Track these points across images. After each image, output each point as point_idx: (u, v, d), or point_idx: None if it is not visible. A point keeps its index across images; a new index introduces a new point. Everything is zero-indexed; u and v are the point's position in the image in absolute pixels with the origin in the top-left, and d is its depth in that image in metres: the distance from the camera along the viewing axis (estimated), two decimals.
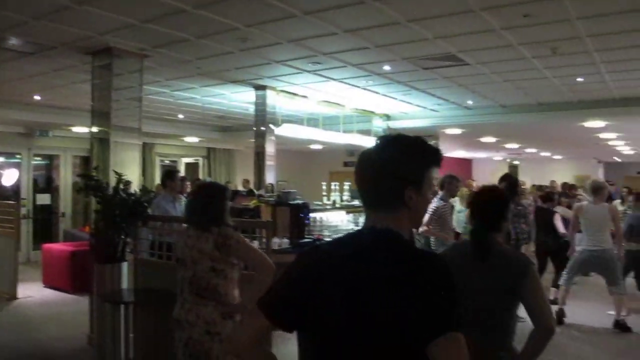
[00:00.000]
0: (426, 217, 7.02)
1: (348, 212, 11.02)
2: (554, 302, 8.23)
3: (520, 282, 2.71)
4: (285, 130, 10.19)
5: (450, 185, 7.49)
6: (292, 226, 7.65)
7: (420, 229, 7.17)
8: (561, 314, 7.19)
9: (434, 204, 7.13)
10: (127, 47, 7.16)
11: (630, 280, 8.04)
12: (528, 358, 2.74)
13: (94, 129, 7.43)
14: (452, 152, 22.14)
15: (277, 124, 10.02)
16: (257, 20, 6.14)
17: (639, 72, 8.45)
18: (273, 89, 9.93)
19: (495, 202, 3.03)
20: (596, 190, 7.27)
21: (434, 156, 1.63)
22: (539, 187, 10.67)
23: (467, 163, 27.06)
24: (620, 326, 6.95)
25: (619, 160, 26.77)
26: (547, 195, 9.80)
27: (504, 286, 2.74)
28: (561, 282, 7.49)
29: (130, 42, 7.00)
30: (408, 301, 1.42)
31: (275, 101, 10.09)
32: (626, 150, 20.92)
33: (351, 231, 1.77)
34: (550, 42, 6.92)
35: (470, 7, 5.57)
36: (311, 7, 5.69)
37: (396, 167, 1.56)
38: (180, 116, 13.63)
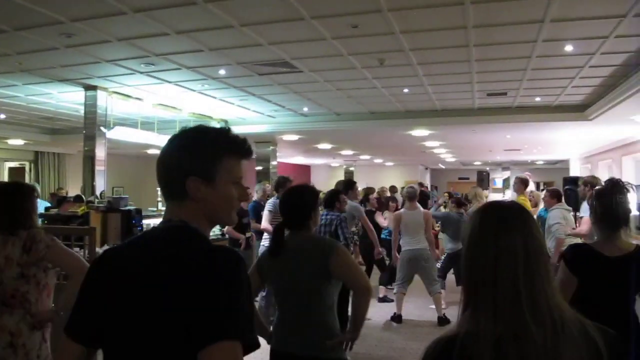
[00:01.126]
0: (266, 213, 7.40)
1: None
2: (384, 299, 8.81)
3: (329, 259, 2.92)
4: (117, 134, 9.75)
5: (285, 187, 7.72)
6: (123, 233, 7.42)
7: (262, 226, 7.50)
8: (399, 320, 7.72)
9: (273, 200, 7.47)
10: None
11: (451, 276, 8.78)
12: (357, 322, 3.02)
13: None
14: (291, 158, 22.60)
15: (108, 127, 9.57)
16: (83, 15, 5.80)
17: (455, 85, 9.21)
18: (104, 89, 9.46)
19: (301, 202, 3.22)
20: (411, 197, 7.92)
21: (230, 145, 1.55)
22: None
23: (306, 169, 27.78)
24: (443, 321, 7.54)
25: (443, 167, 29.01)
26: (365, 198, 10.44)
27: (316, 268, 2.95)
28: (395, 289, 7.99)
29: None
30: (182, 302, 1.31)
31: (107, 103, 9.62)
32: (448, 157, 22.71)
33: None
34: (378, 54, 7.30)
35: (301, 14, 5.71)
36: (141, 4, 5.49)
37: (178, 157, 1.51)
38: (2, 116, 12.53)
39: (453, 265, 8.64)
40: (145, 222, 7.79)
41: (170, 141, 1.57)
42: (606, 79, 8.66)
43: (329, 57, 7.42)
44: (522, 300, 1.38)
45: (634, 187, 3.16)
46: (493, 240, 1.46)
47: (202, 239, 1.48)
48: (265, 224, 7.50)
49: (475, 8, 5.55)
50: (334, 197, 6.79)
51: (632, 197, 3.09)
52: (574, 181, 11.73)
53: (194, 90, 9.61)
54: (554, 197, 7.50)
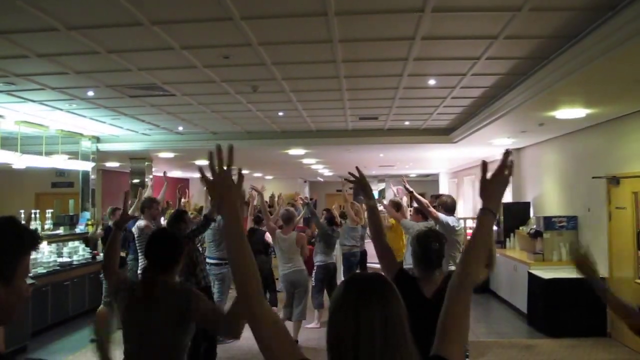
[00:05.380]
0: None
1: (50, 243, 10.29)
2: None
3: (188, 308, 2.90)
4: None
5: (150, 209, 7.52)
6: None
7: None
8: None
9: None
10: None
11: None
12: None
13: None
14: (168, 172, 22.07)
15: None
16: None
17: (329, 110, 9.47)
18: None
19: (168, 246, 3.15)
20: (287, 220, 7.97)
21: (31, 243, 1.48)
22: None
23: (184, 182, 27.24)
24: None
25: (321, 179, 29.60)
26: (257, 218, 10.45)
27: (175, 317, 2.90)
28: (293, 318, 8.00)
29: None
30: None
31: None
32: (326, 172, 23.18)
33: None
34: (251, 82, 7.33)
35: (170, 45, 5.61)
36: None
37: None
38: None
39: (324, 275, 8.81)
40: None
41: None
42: (467, 108, 9.25)
43: (201, 83, 7.34)
44: None
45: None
46: (353, 315, 1.50)
47: None
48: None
49: (343, 45, 5.74)
50: (179, 218, 6.56)
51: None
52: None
53: (61, 109, 9.15)
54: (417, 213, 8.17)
